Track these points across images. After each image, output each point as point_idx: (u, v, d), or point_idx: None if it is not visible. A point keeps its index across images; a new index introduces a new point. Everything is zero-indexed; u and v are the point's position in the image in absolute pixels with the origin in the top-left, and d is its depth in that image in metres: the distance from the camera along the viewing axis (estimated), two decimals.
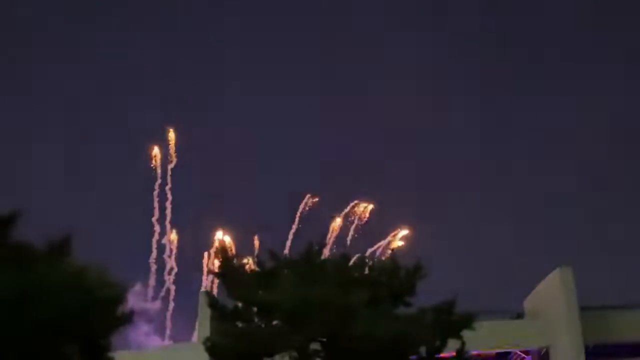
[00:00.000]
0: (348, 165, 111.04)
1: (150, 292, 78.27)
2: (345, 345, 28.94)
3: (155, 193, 79.67)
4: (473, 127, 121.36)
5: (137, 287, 78.02)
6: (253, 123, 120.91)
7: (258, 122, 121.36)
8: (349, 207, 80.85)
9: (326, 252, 75.00)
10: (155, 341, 77.06)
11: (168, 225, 78.92)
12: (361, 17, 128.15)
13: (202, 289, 67.66)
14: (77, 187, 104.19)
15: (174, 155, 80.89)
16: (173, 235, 78.07)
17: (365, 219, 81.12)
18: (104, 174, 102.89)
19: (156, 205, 79.50)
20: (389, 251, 72.01)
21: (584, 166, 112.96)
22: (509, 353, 58.45)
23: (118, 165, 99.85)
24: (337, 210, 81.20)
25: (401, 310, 31.26)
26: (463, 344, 31.42)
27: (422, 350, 30.60)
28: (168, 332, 77.69)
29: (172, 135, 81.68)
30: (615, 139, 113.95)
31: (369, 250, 78.25)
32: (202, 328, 50.68)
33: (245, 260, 32.20)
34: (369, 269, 32.04)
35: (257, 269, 31.51)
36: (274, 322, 30.51)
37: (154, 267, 78.36)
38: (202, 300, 48.18)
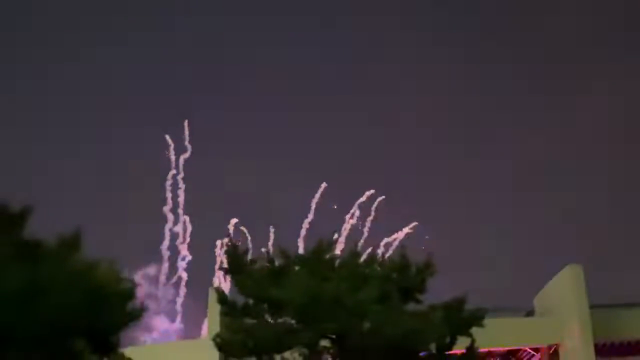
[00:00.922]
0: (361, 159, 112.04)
1: (163, 278, 78.37)
2: (355, 341, 28.93)
3: (169, 183, 79.72)
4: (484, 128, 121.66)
5: (152, 269, 78.34)
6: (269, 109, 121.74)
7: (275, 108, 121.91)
8: (364, 197, 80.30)
9: (342, 242, 75.36)
10: (163, 322, 77.32)
11: (181, 213, 79.02)
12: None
13: (215, 277, 67.77)
14: (92, 178, 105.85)
15: (188, 145, 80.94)
16: (187, 222, 78.21)
17: (377, 211, 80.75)
18: (119, 164, 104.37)
19: (169, 194, 79.52)
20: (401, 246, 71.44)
21: (594, 166, 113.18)
22: (518, 350, 58.34)
23: (134, 155, 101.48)
24: (353, 200, 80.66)
25: (411, 307, 31.22)
26: (473, 341, 31.35)
27: (432, 347, 30.54)
28: (179, 319, 77.83)
29: (186, 124, 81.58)
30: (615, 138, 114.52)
31: (385, 241, 77.80)
32: (211, 324, 50.74)
33: (255, 257, 32.20)
34: (379, 266, 31.99)
35: (267, 265, 31.50)
36: (284, 319, 30.50)
37: (166, 254, 78.46)
38: (212, 296, 48.22)
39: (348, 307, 28.13)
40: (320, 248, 31.30)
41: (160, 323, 76.43)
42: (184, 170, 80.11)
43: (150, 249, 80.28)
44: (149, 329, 72.45)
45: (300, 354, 30.18)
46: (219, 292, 32.92)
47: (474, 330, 31.24)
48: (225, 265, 32.48)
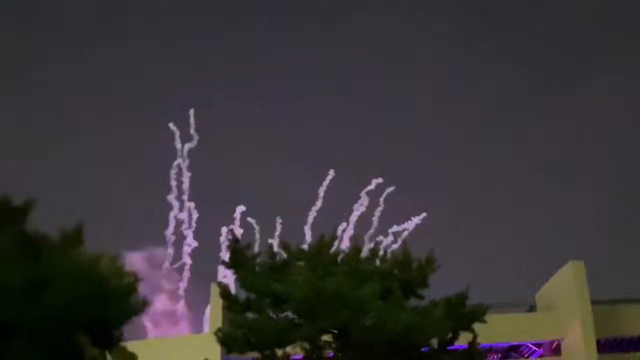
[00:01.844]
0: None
1: (167, 264, 78.46)
2: (357, 336, 28.94)
3: (174, 171, 79.68)
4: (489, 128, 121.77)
5: (158, 252, 78.57)
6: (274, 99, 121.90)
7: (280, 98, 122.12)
8: (373, 185, 79.97)
9: (350, 230, 75.39)
10: (165, 302, 77.52)
11: (186, 200, 79.06)
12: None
13: (220, 266, 67.81)
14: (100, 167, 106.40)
15: (194, 134, 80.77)
16: (191, 209, 78.26)
17: (386, 201, 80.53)
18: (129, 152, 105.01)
19: (174, 182, 79.50)
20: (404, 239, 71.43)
21: (594, 164, 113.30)
22: (520, 346, 58.42)
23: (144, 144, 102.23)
24: (361, 188, 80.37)
25: (413, 302, 31.23)
26: (475, 336, 31.36)
27: (434, 342, 30.55)
28: (182, 303, 77.99)
29: (192, 113, 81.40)
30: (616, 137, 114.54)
31: (392, 229, 77.55)
32: (213, 318, 50.86)
33: (257, 252, 32.22)
34: (381, 261, 32.00)
35: (269, 259, 31.53)
36: (286, 314, 30.53)
37: (171, 240, 78.57)
38: (214, 291, 48.32)
39: (350, 302, 28.13)
40: (322, 243, 31.32)
41: (162, 303, 76.70)
42: (189, 158, 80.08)
43: (154, 233, 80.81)
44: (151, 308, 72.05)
45: (301, 349, 30.22)
46: (222, 286, 32.95)
47: (476, 325, 31.25)
48: (227, 259, 32.51)
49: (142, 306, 22.37)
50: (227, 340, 30.69)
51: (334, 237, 32.68)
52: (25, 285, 18.79)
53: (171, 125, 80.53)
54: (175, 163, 79.75)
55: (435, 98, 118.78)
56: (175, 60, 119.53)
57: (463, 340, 31.45)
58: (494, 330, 36.10)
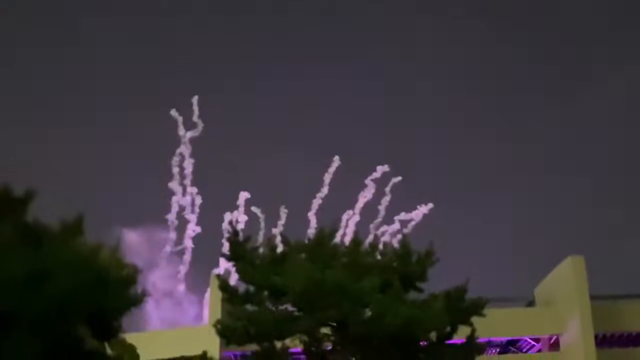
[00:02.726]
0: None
1: (168, 248, 78.51)
2: (356, 329, 28.98)
3: (177, 158, 79.61)
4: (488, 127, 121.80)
5: (162, 234, 78.66)
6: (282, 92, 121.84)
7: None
8: (379, 173, 79.65)
9: (356, 218, 75.24)
10: (165, 283, 77.63)
11: (189, 185, 79.05)
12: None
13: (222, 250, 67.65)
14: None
15: (198, 121, 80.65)
16: (194, 194, 78.23)
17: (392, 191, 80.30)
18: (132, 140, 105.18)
19: (177, 170, 79.41)
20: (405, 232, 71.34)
21: (596, 160, 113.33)
22: (519, 340, 58.48)
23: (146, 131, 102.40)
24: (366, 175, 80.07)
25: (412, 295, 31.26)
26: (473, 330, 31.39)
27: (433, 335, 30.60)
28: (182, 287, 78.05)
29: (195, 101, 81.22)
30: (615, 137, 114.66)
31: (397, 218, 77.34)
32: (213, 310, 50.92)
33: (257, 244, 32.24)
34: (381, 254, 32.01)
35: (269, 252, 31.55)
36: (285, 306, 30.56)
37: (174, 224, 78.51)
38: (213, 283, 48.35)
39: (349, 295, 28.17)
40: (323, 235, 31.34)
41: (163, 284, 76.75)
42: (192, 146, 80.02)
43: (157, 216, 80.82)
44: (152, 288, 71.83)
45: (300, 341, 30.27)
46: (221, 278, 33.00)
47: (475, 319, 31.29)
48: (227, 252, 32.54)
49: (142, 298, 22.37)
50: (226, 332, 30.74)
51: (334, 230, 32.71)
52: (26, 275, 18.78)
53: (173, 112, 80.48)
54: (177, 150, 79.84)
55: (434, 94, 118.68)
56: (176, 53, 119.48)
57: (462, 334, 31.51)
58: (492, 325, 36.15)
